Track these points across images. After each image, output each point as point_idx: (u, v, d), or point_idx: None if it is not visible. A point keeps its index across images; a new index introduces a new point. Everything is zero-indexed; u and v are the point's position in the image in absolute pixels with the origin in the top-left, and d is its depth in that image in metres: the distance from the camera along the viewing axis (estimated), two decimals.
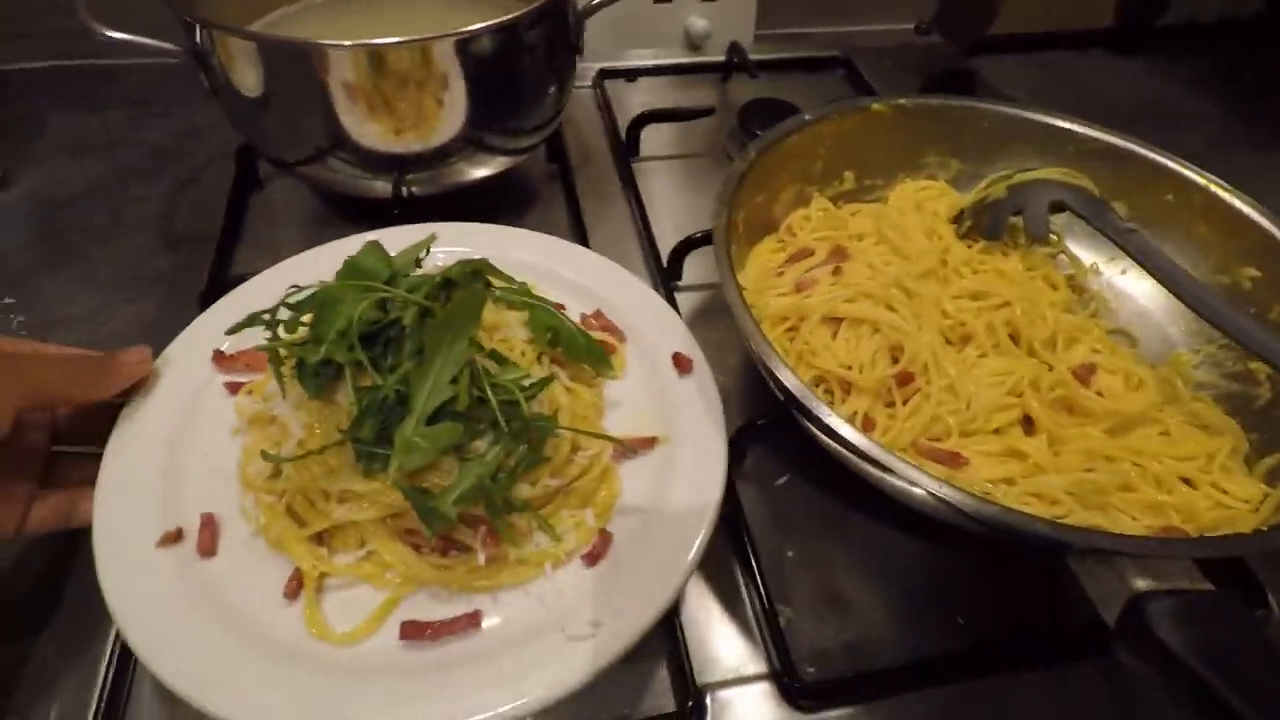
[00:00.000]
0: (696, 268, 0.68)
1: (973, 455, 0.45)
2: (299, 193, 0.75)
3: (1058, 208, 0.59)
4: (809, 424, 0.43)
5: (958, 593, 0.50)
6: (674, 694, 0.45)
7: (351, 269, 0.43)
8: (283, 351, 0.43)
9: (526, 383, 0.43)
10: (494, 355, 0.44)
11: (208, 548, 0.42)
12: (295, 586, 0.41)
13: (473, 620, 0.40)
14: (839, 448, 0.42)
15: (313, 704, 0.36)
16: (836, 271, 0.53)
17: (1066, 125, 0.63)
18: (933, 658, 0.47)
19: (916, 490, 0.39)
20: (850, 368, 0.48)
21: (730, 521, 0.51)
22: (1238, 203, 0.56)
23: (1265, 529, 0.38)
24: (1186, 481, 0.47)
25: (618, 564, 0.43)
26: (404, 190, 0.65)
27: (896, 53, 1.02)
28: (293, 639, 0.39)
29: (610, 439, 0.46)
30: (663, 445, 0.48)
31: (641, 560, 0.42)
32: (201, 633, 0.38)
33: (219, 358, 0.50)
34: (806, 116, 0.62)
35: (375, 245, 0.45)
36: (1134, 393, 0.50)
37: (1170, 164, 0.59)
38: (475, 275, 0.46)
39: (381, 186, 0.65)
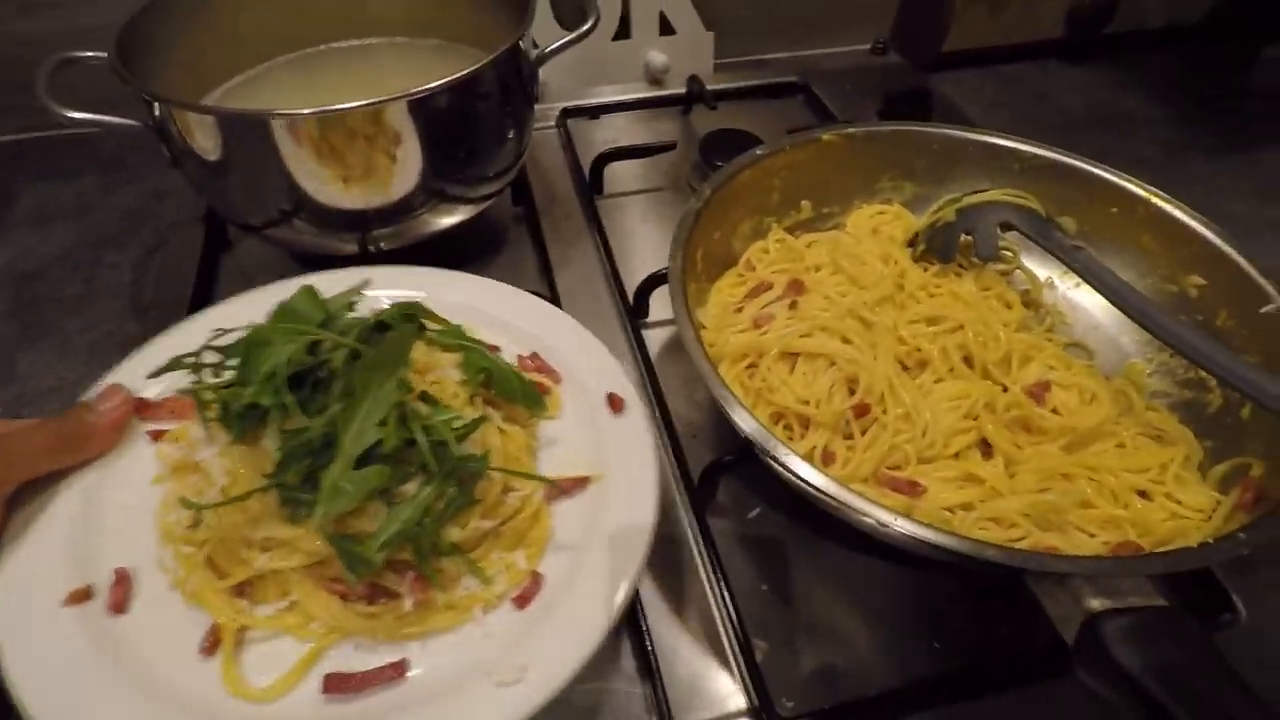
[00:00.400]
0: (664, 304, 0.70)
1: (931, 482, 0.46)
2: (269, 250, 0.76)
3: (1007, 227, 0.60)
4: (773, 465, 0.44)
5: (931, 618, 0.51)
6: None
7: (284, 313, 0.43)
8: (208, 395, 0.42)
9: (458, 424, 0.43)
10: (425, 397, 0.44)
11: (119, 604, 0.40)
12: (213, 642, 0.40)
13: (398, 670, 0.39)
14: (803, 486, 0.43)
15: None
16: (793, 305, 0.55)
17: (1011, 144, 0.65)
18: (909, 684, 0.48)
19: (874, 524, 0.40)
20: (808, 403, 0.49)
21: (706, 556, 0.52)
22: (1179, 214, 0.58)
23: (1211, 541, 0.39)
24: (1143, 494, 0.48)
25: (548, 606, 0.42)
26: (370, 246, 0.66)
27: (854, 74, 1.04)
28: (212, 698, 0.38)
29: (541, 479, 0.46)
30: (595, 484, 0.48)
31: (572, 602, 0.42)
32: (111, 697, 0.37)
33: (141, 405, 0.48)
34: (758, 151, 0.63)
35: (309, 290, 0.45)
36: (1088, 408, 0.51)
37: (1111, 177, 0.61)
38: (408, 318, 0.46)
39: (349, 244, 0.66)
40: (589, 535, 0.45)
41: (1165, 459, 0.48)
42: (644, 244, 0.79)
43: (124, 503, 0.44)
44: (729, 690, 0.48)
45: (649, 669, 0.47)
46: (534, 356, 0.55)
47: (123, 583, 0.41)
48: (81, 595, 0.40)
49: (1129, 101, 1.04)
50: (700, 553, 0.53)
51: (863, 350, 0.50)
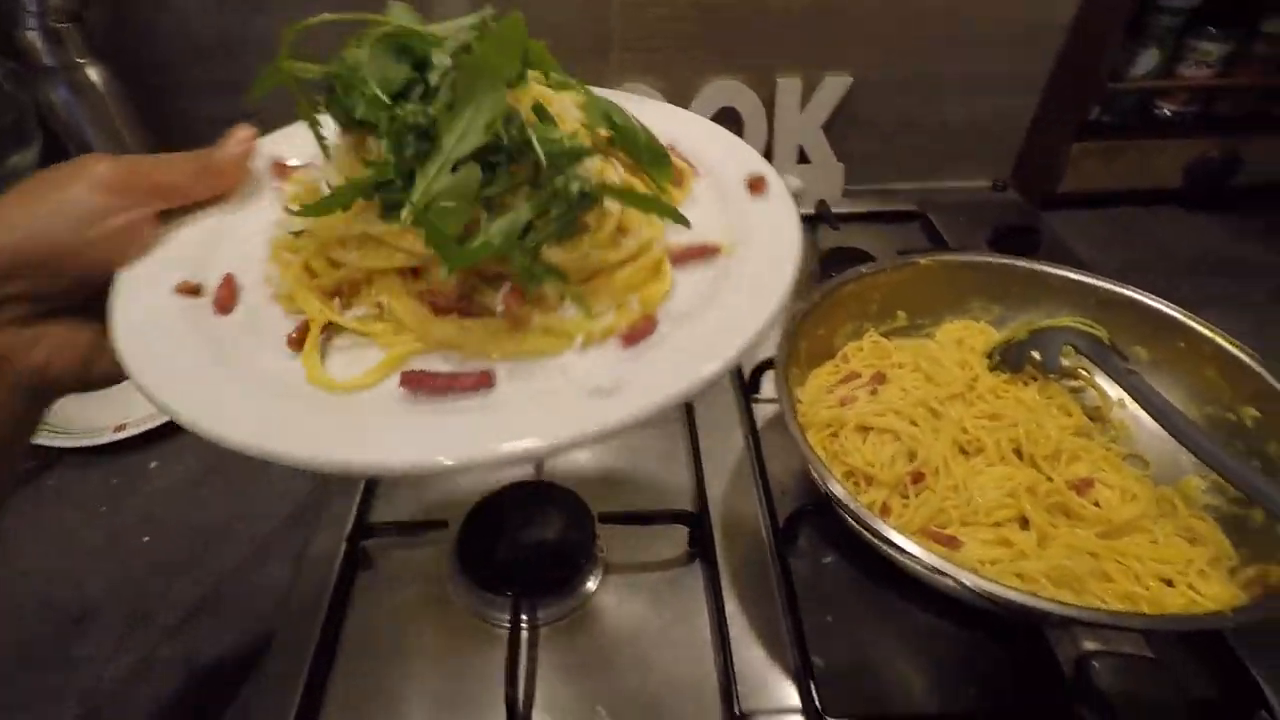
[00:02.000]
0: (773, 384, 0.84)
1: (968, 540, 0.56)
2: None
3: (1075, 349, 0.70)
4: (838, 509, 0.57)
5: (972, 669, 0.59)
6: (721, 713, 0.57)
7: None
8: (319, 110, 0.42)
9: (570, 143, 0.39)
10: (539, 110, 0.40)
11: (224, 304, 0.42)
12: (301, 335, 0.40)
13: (485, 379, 0.37)
14: (858, 527, 0.55)
15: (311, 432, 0.35)
16: (874, 392, 0.68)
17: (1091, 280, 0.75)
18: (944, 715, 0.57)
19: (915, 565, 0.51)
20: (873, 465, 0.61)
21: (782, 585, 0.64)
22: (1239, 354, 0.66)
23: (1214, 612, 0.47)
24: (1169, 582, 0.55)
25: (657, 346, 0.39)
26: None
27: (970, 207, 1.17)
28: (295, 387, 0.38)
29: (665, 210, 0.42)
30: (726, 259, 0.44)
31: (684, 347, 0.38)
32: (202, 376, 0.37)
33: (279, 168, 0.49)
34: (863, 269, 0.78)
35: (403, 7, 0.41)
36: (1127, 504, 0.59)
37: (1179, 316, 0.70)
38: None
39: None
40: (710, 303, 0.41)
41: (1193, 555, 0.56)
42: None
43: (245, 235, 0.46)
44: (787, 692, 0.59)
45: (725, 664, 0.59)
46: (670, 147, 0.49)
47: (228, 286, 0.42)
48: (191, 289, 0.42)
49: (1244, 250, 1.09)
50: (778, 582, 0.65)
51: (926, 433, 0.62)
